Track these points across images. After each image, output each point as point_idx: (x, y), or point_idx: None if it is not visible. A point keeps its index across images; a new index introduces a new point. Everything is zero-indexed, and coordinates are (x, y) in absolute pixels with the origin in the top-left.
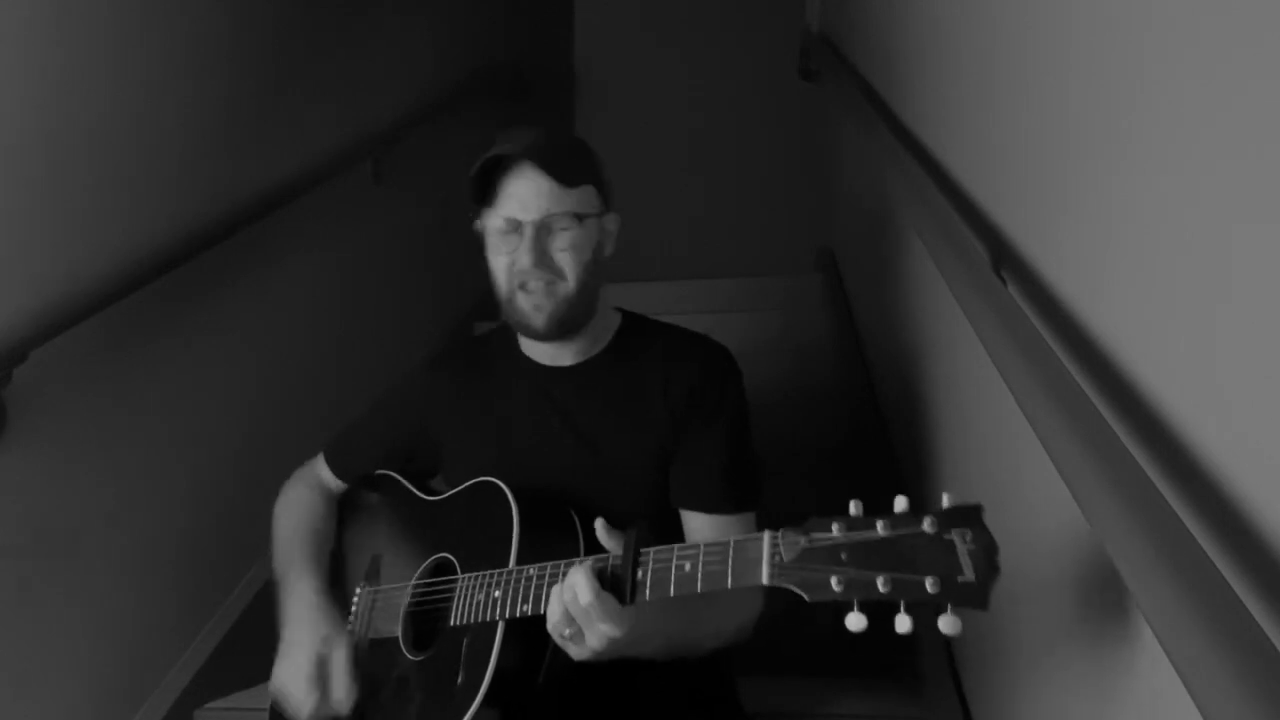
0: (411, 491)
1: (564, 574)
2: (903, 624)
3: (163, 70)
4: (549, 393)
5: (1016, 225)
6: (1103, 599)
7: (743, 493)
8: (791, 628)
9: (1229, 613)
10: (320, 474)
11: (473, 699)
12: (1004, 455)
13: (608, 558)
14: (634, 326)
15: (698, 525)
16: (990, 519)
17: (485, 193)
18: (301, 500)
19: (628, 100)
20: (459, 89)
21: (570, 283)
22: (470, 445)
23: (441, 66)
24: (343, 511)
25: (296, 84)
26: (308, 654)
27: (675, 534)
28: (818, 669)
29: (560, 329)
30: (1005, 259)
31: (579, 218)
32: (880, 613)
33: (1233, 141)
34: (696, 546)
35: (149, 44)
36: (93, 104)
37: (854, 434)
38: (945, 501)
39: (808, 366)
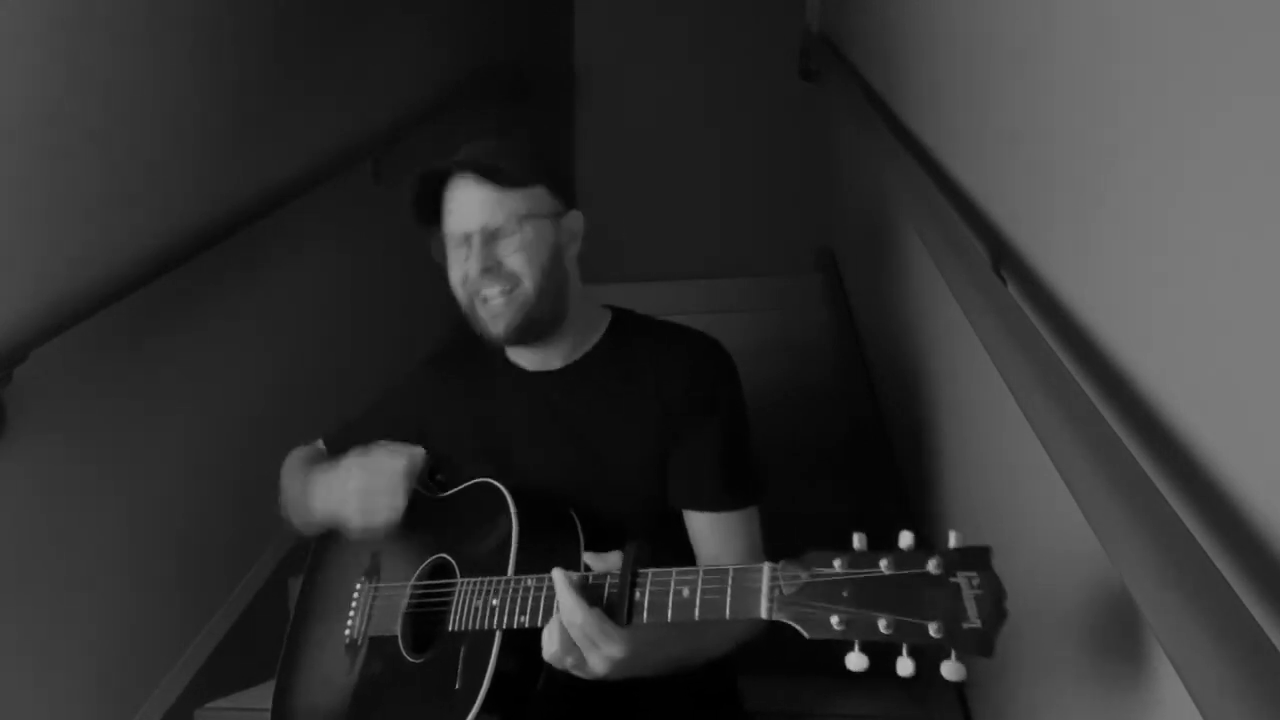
0: (414, 489)
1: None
2: (904, 667)
3: (163, 71)
4: (542, 394)
5: (1016, 225)
6: (1104, 599)
7: (743, 487)
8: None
9: (1228, 612)
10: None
11: (471, 705)
12: (1004, 455)
13: (605, 577)
14: (624, 324)
15: (700, 524)
16: (988, 521)
17: (435, 213)
18: (309, 453)
19: (628, 100)
20: (459, 89)
21: (527, 285)
22: (468, 444)
23: (442, 66)
24: None
25: (297, 84)
26: (354, 472)
27: (677, 534)
28: (818, 669)
29: (523, 334)
30: (1005, 259)
31: (528, 219)
32: (882, 650)
33: (1232, 141)
34: (695, 572)
35: (150, 46)
36: (93, 105)
37: (854, 434)
38: (953, 541)
39: (808, 366)
